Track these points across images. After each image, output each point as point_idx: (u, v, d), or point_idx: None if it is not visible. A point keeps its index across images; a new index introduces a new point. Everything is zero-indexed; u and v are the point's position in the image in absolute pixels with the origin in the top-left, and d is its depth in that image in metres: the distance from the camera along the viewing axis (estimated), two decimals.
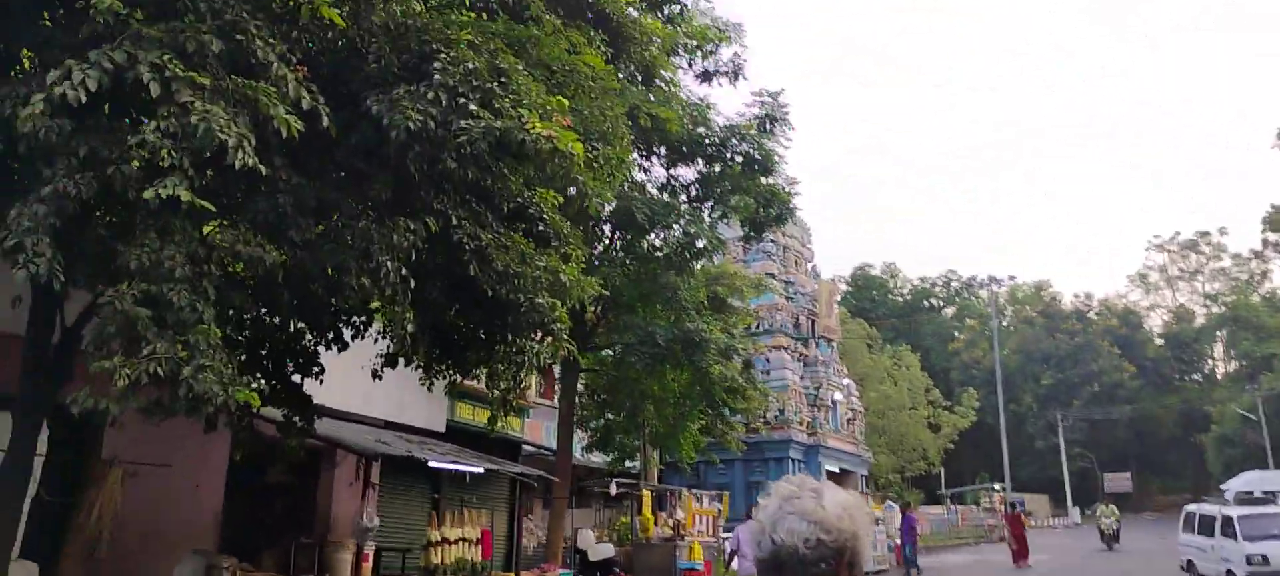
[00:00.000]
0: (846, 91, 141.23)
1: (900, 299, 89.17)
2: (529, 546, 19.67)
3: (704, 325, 15.36)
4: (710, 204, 17.40)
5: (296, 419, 9.85)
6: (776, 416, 32.59)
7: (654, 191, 17.15)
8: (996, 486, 53.95)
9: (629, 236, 15.78)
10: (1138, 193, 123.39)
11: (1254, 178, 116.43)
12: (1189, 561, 19.53)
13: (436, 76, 6.97)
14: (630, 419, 17.56)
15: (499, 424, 9.87)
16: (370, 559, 11.20)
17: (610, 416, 17.94)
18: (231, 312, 7.89)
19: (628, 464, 20.70)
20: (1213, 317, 73.76)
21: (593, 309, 17.28)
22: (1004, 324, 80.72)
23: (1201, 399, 68.29)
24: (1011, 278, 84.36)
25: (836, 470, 35.22)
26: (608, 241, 16.34)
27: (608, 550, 16.68)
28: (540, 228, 9.11)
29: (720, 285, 27.56)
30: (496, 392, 9.46)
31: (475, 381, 18.20)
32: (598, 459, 21.84)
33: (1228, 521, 17.80)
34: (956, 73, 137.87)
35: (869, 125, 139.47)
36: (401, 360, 9.56)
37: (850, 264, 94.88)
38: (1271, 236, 69.08)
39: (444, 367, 10.05)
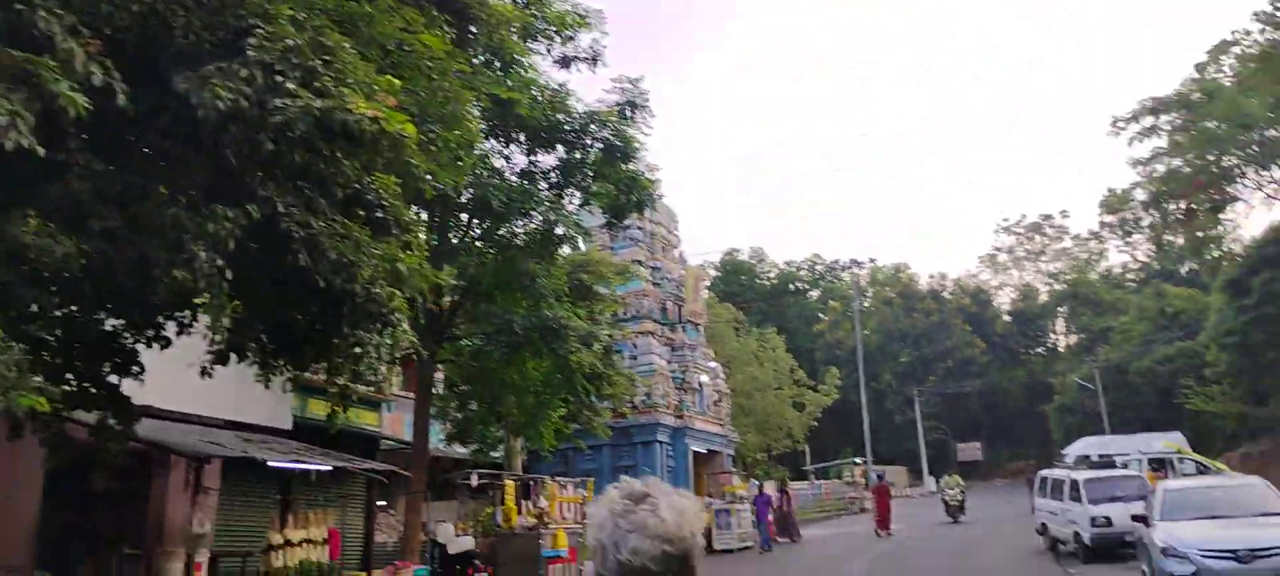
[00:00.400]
0: (773, 85, 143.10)
1: (767, 283, 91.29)
2: (388, 543, 19.11)
3: (563, 312, 15.15)
4: (571, 191, 17.21)
5: (112, 421, 9.15)
6: (644, 401, 32.72)
7: (513, 178, 16.82)
8: (857, 460, 55.93)
9: (486, 224, 15.42)
10: (987, 179, 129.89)
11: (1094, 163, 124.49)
12: (1043, 525, 20.42)
13: (251, 53, 6.52)
14: (490, 409, 17.21)
15: (340, 419, 9.43)
16: (202, 567, 10.58)
17: (472, 408, 17.54)
18: (31, 309, 7.23)
19: (493, 454, 20.36)
20: (1055, 294, 78.41)
21: (449, 298, 16.89)
22: (865, 305, 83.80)
23: (1045, 371, 72.63)
24: (872, 260, 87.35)
25: (704, 450, 35.70)
26: (464, 229, 15.92)
27: (466, 542, 16.32)
28: (378, 215, 8.72)
29: (585, 272, 27.46)
30: (335, 388, 9.03)
31: (318, 376, 17.65)
32: (461, 450, 21.41)
33: (1074, 485, 18.76)
34: (882, 66, 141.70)
35: (795, 119, 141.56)
36: (234, 356, 9.03)
37: (778, 252, 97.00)
38: (1107, 217, 73.88)
39: (281, 363, 9.55)
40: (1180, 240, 57.72)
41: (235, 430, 13.95)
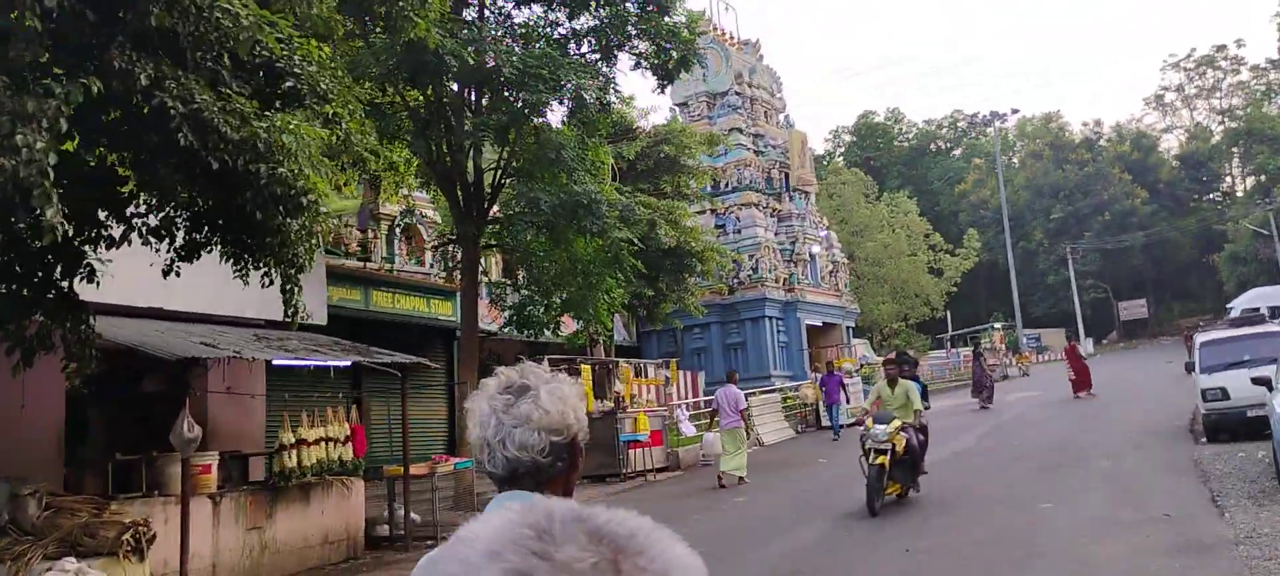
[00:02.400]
0: None
1: (906, 145, 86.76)
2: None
3: (595, 188, 14.01)
4: (614, 56, 15.87)
5: (71, 326, 8.78)
6: (749, 276, 31.43)
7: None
8: (997, 326, 53.00)
9: (510, 98, 14.31)
10: (1150, 10, 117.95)
11: None
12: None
13: None
14: (540, 291, 16.43)
15: (298, 315, 8.72)
16: (212, 469, 10.33)
17: (526, 291, 16.83)
18: None
19: (556, 336, 19.75)
20: (1228, 134, 70.81)
21: (493, 174, 16.05)
22: (1012, 160, 78.41)
23: (1217, 219, 66.25)
24: (1015, 111, 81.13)
25: (819, 323, 34.24)
26: (472, 104, 14.88)
27: None
28: (290, 84, 7.79)
29: (668, 144, 26.22)
30: (271, 282, 8.32)
31: (347, 263, 17.27)
32: (557, 337, 20.86)
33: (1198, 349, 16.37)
34: None
35: None
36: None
37: (855, 114, 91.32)
38: None
39: (237, 257, 8.89)
40: None
41: (277, 328, 13.71)
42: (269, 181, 7.26)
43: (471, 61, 12.48)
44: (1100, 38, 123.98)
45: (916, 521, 11.13)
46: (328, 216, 8.14)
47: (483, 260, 18.16)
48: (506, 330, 17.08)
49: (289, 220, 7.67)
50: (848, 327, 36.32)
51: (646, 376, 20.52)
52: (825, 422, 25.53)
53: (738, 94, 34.18)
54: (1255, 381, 11.73)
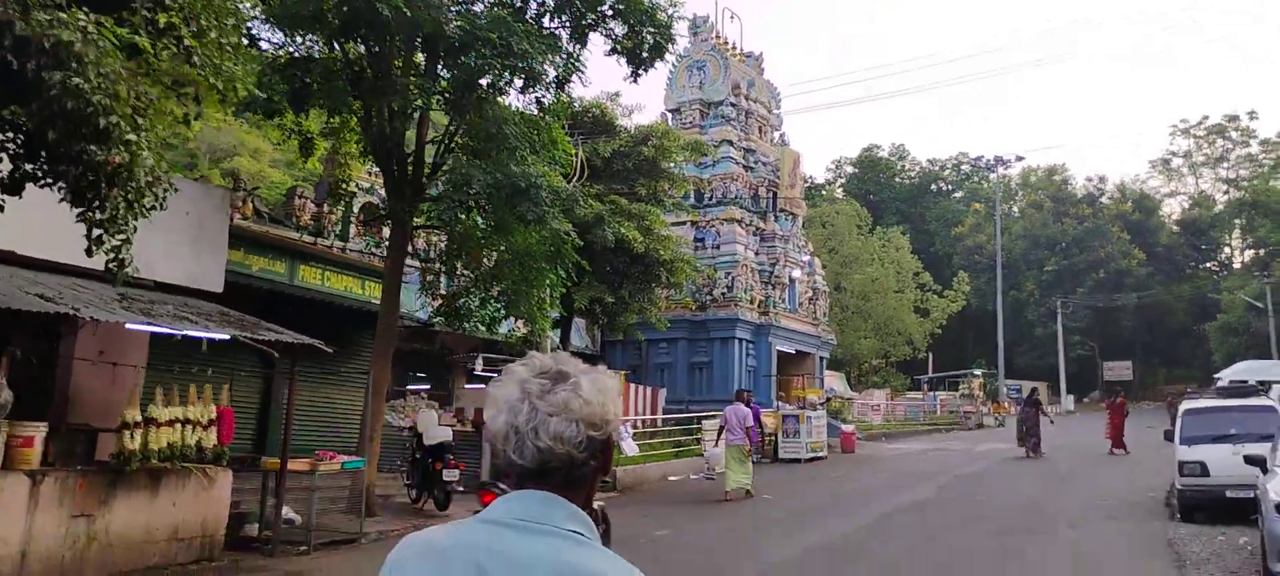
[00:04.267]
0: None
1: (907, 182, 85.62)
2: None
3: (533, 170, 12.59)
4: (584, 37, 14.49)
5: None
6: (724, 293, 30.04)
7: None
8: (976, 372, 51.74)
9: (460, 62, 12.92)
10: (1160, 76, 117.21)
11: None
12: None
13: None
14: (478, 281, 14.99)
15: (121, 269, 7.29)
16: (34, 442, 8.87)
17: (464, 279, 15.37)
18: None
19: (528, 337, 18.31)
20: (1232, 204, 69.73)
21: (436, 149, 14.66)
22: (1013, 209, 77.20)
23: (1213, 288, 65.08)
24: (1019, 159, 79.76)
25: (791, 351, 32.84)
26: (413, 66, 13.46)
27: (443, 434, 14.37)
28: None
29: (647, 145, 24.84)
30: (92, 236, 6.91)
31: (253, 224, 15.84)
32: (489, 333, 19.38)
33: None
34: None
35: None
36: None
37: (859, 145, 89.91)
38: None
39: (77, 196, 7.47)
40: None
41: (172, 293, 12.29)
42: (61, 93, 5.87)
43: (408, 12, 11.09)
44: (1112, 96, 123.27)
45: None
46: (162, 158, 6.71)
47: (424, 243, 16.77)
48: (438, 321, 15.59)
49: (92, 149, 6.24)
50: (821, 358, 34.91)
51: None
52: (784, 454, 24.14)
53: (733, 105, 32.86)
54: (1249, 460, 10.33)
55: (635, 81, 15.37)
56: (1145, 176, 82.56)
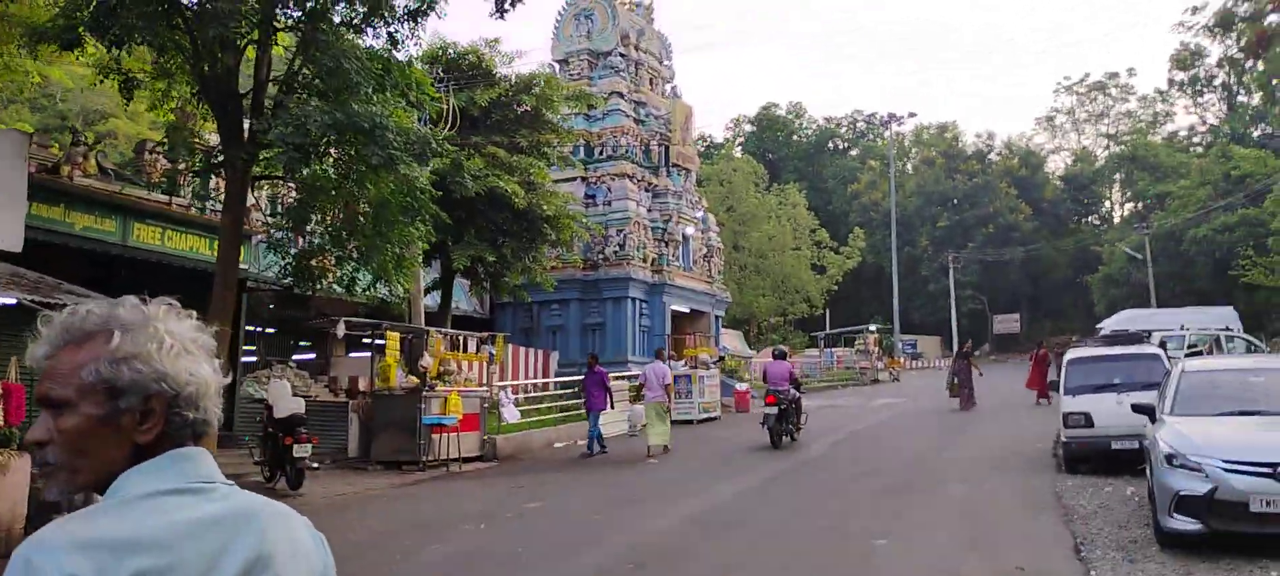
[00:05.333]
0: None
1: (805, 140, 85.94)
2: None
3: (380, 111, 11.29)
4: None
5: None
6: (616, 252, 29.08)
7: None
8: (872, 328, 52.30)
9: None
10: (1050, 34, 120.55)
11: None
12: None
13: None
14: (334, 238, 13.61)
15: None
16: None
17: (317, 235, 13.97)
18: None
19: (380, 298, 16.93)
20: (1112, 159, 72.22)
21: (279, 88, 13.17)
22: (907, 166, 78.29)
23: (1095, 241, 67.35)
24: (913, 115, 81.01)
25: (686, 310, 32.19)
26: None
27: (295, 405, 13.07)
28: None
29: (527, 94, 23.59)
30: None
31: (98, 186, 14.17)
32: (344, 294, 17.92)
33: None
34: None
35: None
36: None
37: (821, 109, 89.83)
38: (1178, 75, 66.99)
39: None
40: (1255, 99, 51.56)
41: None
42: None
43: None
44: (1001, 55, 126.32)
45: (716, 557, 8.91)
46: None
47: (269, 195, 15.28)
48: (288, 282, 14.18)
49: None
50: (717, 316, 34.37)
51: (467, 350, 17.83)
52: (676, 416, 23.38)
53: (622, 56, 31.71)
54: (1137, 409, 9.88)
55: (501, 16, 14.04)
56: (1032, 133, 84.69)
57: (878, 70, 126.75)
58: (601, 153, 30.59)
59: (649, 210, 30.91)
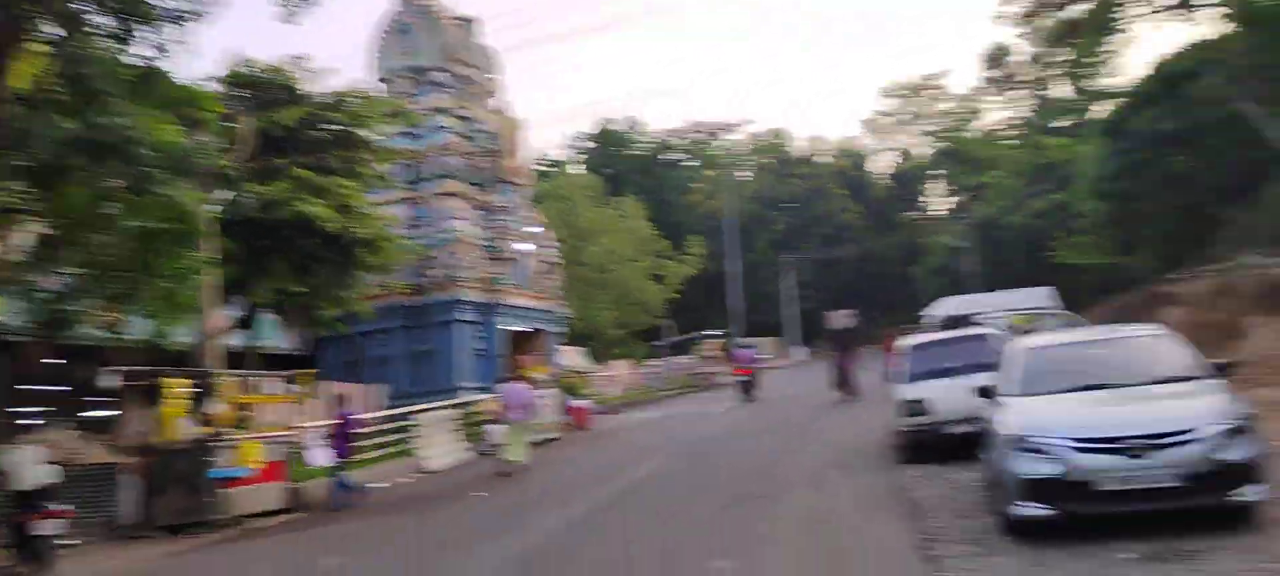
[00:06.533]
0: None
1: (642, 153, 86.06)
2: None
3: (129, 123, 9.70)
4: None
5: None
6: (444, 274, 27.60)
7: None
8: (716, 333, 52.72)
9: None
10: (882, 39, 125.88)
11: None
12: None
13: None
14: (94, 277, 11.78)
15: None
16: None
17: (68, 274, 12.08)
18: None
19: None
20: (933, 155, 75.85)
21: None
22: (744, 174, 79.64)
23: (921, 234, 70.37)
24: (748, 123, 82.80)
25: (528, 329, 31.01)
26: None
27: (40, 475, 11.15)
28: None
29: (339, 111, 22.02)
30: None
31: None
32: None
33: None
34: None
35: None
36: None
37: (661, 122, 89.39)
38: (991, 72, 70.65)
39: None
40: (1065, 90, 54.69)
41: None
42: None
43: None
44: (833, 65, 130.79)
45: None
46: None
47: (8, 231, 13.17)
48: (34, 331, 12.22)
49: None
50: (554, 333, 33.29)
51: (277, 392, 16.08)
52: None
53: (445, 71, 30.21)
54: (983, 392, 9.43)
55: (291, 21, 12.61)
56: (859, 135, 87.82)
57: (713, 73, 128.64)
58: (426, 170, 29.06)
59: (482, 228, 29.58)
